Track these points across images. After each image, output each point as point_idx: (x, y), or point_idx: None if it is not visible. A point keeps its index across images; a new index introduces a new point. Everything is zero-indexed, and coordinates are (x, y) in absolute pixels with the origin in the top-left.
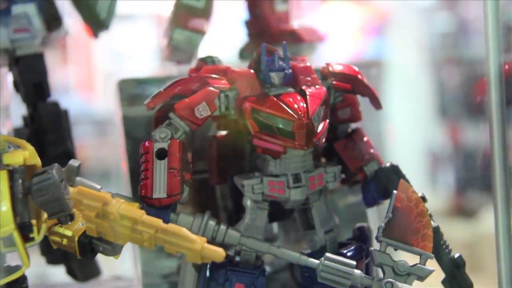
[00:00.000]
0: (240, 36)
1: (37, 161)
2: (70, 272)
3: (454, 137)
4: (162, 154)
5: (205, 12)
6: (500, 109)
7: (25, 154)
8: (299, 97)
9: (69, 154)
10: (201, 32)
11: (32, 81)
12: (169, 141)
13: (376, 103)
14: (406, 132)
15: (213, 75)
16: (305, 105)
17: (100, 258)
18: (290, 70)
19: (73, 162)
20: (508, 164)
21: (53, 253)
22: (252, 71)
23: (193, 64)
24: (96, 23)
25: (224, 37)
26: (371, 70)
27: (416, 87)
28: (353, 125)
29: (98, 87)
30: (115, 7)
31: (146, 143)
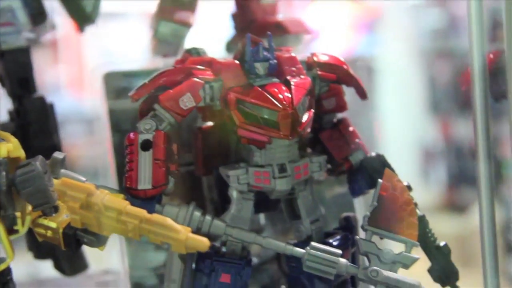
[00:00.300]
0: (227, 29)
1: (21, 153)
2: (58, 266)
3: (445, 132)
4: (147, 145)
5: (191, 5)
6: (484, 103)
7: (9, 147)
8: (284, 87)
9: (56, 148)
10: (187, 25)
11: (18, 75)
12: (154, 133)
13: (362, 93)
14: (398, 128)
15: (198, 66)
16: (290, 95)
17: (88, 252)
18: (275, 61)
19: (57, 155)
20: (492, 157)
21: (40, 248)
22: (237, 62)
23: (179, 57)
24: (82, 17)
25: (211, 30)
26: (356, 63)
27: (408, 83)
28: (339, 115)
29: (89, 86)
30: (101, 1)
31: (131, 134)
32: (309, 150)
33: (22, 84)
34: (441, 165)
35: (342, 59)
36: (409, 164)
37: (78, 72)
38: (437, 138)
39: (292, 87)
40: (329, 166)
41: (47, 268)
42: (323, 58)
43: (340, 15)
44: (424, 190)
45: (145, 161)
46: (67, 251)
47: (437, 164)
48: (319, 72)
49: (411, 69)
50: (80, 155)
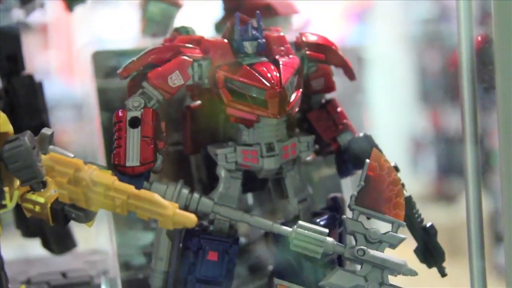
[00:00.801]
0: (216, 10)
1: (9, 128)
2: (46, 245)
3: (435, 122)
4: (135, 122)
5: None
6: (472, 93)
7: None
8: (272, 66)
9: (44, 126)
10: (176, 5)
11: (6, 53)
12: (142, 110)
13: (350, 74)
14: (388, 118)
15: (187, 45)
16: (278, 74)
17: (77, 232)
18: (264, 40)
19: (45, 131)
20: (479, 147)
21: (28, 226)
22: (225, 40)
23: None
24: None
25: (200, 10)
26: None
27: (398, 73)
28: (328, 96)
29: (78, 67)
30: None
31: (119, 111)
32: (297, 130)
33: (11, 62)
34: (431, 155)
35: (331, 39)
36: (398, 154)
37: (68, 57)
38: (426, 128)
39: (281, 66)
40: (317, 146)
41: (35, 246)
42: (312, 38)
43: (330, 4)
44: (413, 180)
45: (133, 138)
46: (55, 229)
47: (426, 154)
48: (307, 52)
49: (401, 59)
50: (70, 141)
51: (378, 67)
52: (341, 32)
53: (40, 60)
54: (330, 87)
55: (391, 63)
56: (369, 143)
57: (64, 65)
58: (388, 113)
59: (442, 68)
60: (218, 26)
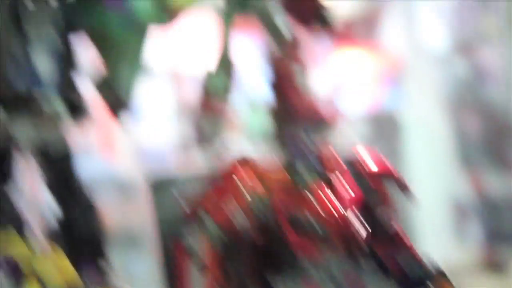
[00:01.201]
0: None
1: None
2: None
3: (478, 186)
4: (196, 258)
5: (227, 93)
6: None
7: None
8: (331, 194)
9: (101, 254)
10: (223, 114)
11: (60, 179)
12: (203, 244)
13: (406, 192)
14: (428, 184)
15: (246, 178)
16: (338, 204)
17: None
18: (317, 159)
19: (104, 262)
20: None
21: None
22: (281, 166)
23: (217, 145)
24: (115, 102)
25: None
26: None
27: (436, 136)
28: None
29: (120, 149)
30: (136, 82)
31: (178, 242)
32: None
33: (66, 189)
34: (475, 222)
35: (388, 164)
36: (442, 221)
37: (109, 135)
38: (469, 193)
39: (340, 193)
40: (381, 271)
41: None
42: (373, 168)
43: (362, 66)
44: (459, 249)
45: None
46: None
47: (470, 220)
48: (370, 184)
49: (438, 122)
50: (113, 223)
51: (415, 131)
52: (376, 95)
53: (80, 137)
54: (385, 201)
55: (429, 126)
56: (434, 268)
57: (104, 143)
58: (428, 178)
59: (481, 129)
60: (269, 138)
